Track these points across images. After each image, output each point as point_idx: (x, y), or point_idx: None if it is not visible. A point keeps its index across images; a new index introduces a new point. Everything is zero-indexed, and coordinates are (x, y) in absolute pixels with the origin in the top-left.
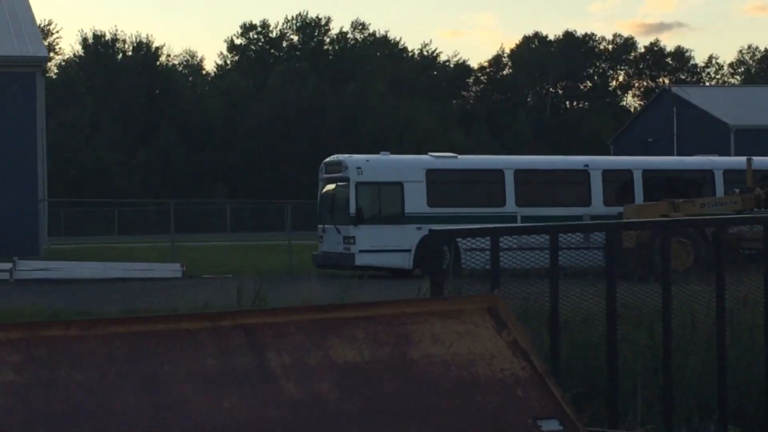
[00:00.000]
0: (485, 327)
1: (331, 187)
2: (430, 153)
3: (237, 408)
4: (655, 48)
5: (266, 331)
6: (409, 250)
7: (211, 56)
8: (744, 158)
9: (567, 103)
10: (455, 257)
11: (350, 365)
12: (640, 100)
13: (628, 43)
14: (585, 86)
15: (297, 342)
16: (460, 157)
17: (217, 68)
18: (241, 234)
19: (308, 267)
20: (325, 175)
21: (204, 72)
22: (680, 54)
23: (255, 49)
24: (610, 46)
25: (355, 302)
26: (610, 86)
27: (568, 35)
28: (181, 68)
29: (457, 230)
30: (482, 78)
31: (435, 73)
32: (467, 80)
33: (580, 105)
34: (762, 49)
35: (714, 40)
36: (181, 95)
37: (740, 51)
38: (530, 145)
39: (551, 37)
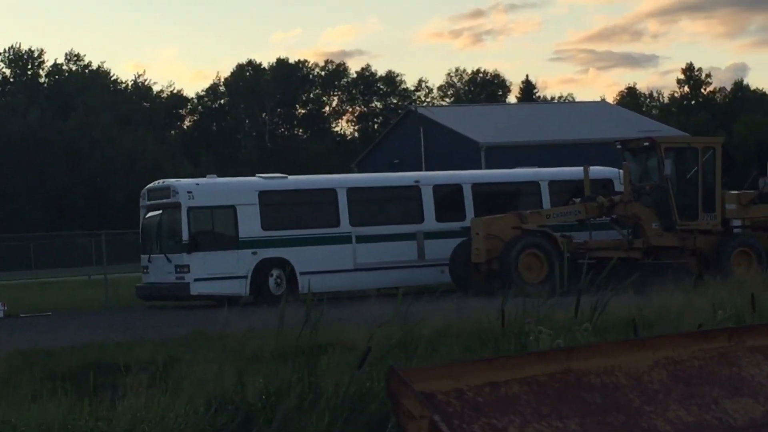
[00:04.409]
0: None
1: (155, 213)
2: (258, 174)
3: None
4: (367, 73)
5: None
6: (245, 277)
7: None
8: (568, 169)
9: (284, 129)
10: None
11: None
12: (355, 125)
13: (340, 70)
14: (300, 113)
15: None
16: (290, 177)
17: None
18: None
19: (129, 300)
20: (149, 202)
21: None
22: (391, 78)
23: None
24: (323, 73)
25: None
26: (324, 112)
27: (281, 62)
28: None
29: None
30: (199, 107)
31: (148, 104)
32: (181, 110)
33: (297, 132)
34: (469, 71)
35: (399, 64)
36: None
37: (448, 74)
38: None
39: (265, 64)
